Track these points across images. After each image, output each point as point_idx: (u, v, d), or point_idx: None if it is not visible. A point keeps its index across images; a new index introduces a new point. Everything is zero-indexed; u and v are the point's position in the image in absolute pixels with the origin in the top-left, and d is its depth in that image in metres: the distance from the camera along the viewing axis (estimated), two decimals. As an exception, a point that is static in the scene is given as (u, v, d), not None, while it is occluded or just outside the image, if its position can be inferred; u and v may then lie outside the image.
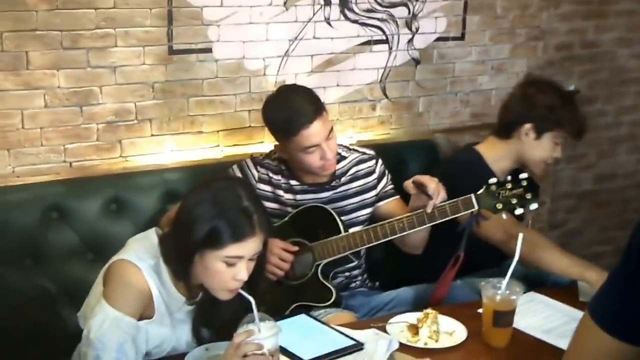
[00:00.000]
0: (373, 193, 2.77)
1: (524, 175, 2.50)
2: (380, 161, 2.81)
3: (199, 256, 1.96)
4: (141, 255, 2.01)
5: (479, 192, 2.49)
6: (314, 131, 2.56)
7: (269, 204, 2.69)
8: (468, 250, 2.59)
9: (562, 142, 2.87)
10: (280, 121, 2.62)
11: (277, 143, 2.71)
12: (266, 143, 3.10)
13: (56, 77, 2.75)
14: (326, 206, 2.67)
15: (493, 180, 2.51)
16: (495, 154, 2.91)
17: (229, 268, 1.96)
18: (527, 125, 2.84)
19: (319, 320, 2.34)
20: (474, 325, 2.26)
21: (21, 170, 2.76)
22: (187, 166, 2.95)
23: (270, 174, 2.72)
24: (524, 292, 2.32)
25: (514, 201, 2.48)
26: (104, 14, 2.77)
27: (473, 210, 2.49)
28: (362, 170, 2.78)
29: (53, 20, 2.70)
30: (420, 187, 2.49)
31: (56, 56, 2.74)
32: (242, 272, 1.97)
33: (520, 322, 2.28)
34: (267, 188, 2.71)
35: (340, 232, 2.62)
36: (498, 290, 2.21)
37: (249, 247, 1.96)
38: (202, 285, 2.05)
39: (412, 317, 2.29)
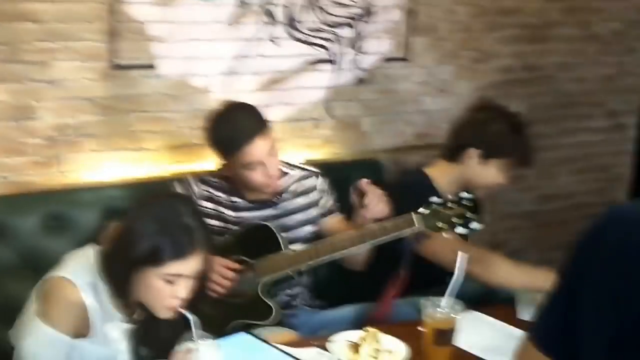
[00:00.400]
0: (316, 210, 2.78)
1: (465, 195, 2.52)
2: (322, 178, 2.82)
3: (138, 273, 1.93)
4: (77, 272, 1.97)
5: (419, 210, 2.50)
6: (257, 147, 2.56)
7: (211, 221, 2.66)
8: (412, 268, 2.60)
9: (507, 169, 2.90)
10: (222, 137, 2.60)
11: (221, 161, 2.69)
12: (210, 160, 3.07)
13: (-6, 90, 2.71)
14: (268, 223, 2.66)
15: (435, 199, 2.53)
16: (443, 177, 2.93)
17: (168, 286, 1.94)
18: (474, 150, 2.87)
19: (261, 339, 2.31)
20: (415, 344, 2.25)
21: (-45, 187, 2.70)
22: (128, 183, 2.92)
23: (213, 191, 2.70)
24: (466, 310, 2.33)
25: (456, 220, 2.49)
26: (44, 27, 2.73)
27: (414, 228, 2.50)
28: (304, 187, 2.78)
29: (-8, 33, 2.66)
30: (361, 197, 2.48)
31: (-6, 69, 2.69)
32: (182, 290, 1.95)
33: (461, 340, 2.28)
34: (210, 205, 2.69)
35: (281, 250, 2.60)
36: (438, 308, 2.22)
37: (190, 264, 1.94)
38: (141, 303, 2.01)
39: (354, 335, 2.28)
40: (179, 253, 1.92)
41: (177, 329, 2.00)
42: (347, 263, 2.69)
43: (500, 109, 3.04)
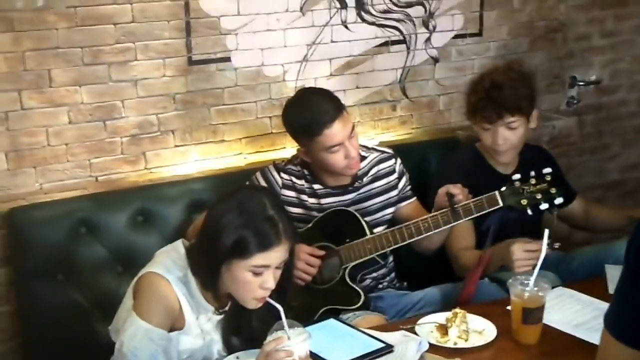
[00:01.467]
0: (395, 192, 2.79)
1: (547, 170, 2.49)
2: (399, 160, 2.83)
3: (226, 266, 1.98)
4: (169, 267, 2.03)
5: (502, 189, 2.49)
6: (337, 130, 2.58)
7: (293, 209, 2.71)
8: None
9: (487, 126, 2.76)
10: (302, 123, 2.63)
11: (299, 148, 2.72)
12: (288, 148, 3.12)
13: (79, 93, 2.79)
14: (350, 209, 2.68)
15: (517, 176, 2.51)
16: (485, 149, 2.90)
17: (256, 277, 1.98)
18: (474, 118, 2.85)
19: (348, 324, 2.34)
20: (503, 323, 2.25)
21: (49, 187, 2.80)
22: (211, 175, 2.98)
23: (294, 179, 2.73)
24: (553, 287, 2.32)
25: (539, 196, 2.47)
26: (123, 29, 2.81)
27: (497, 207, 2.49)
28: (383, 169, 2.79)
29: (73, 37, 2.74)
30: (451, 197, 2.50)
31: (78, 72, 2.77)
32: (270, 281, 1.99)
33: (550, 317, 2.27)
34: (291, 193, 2.73)
35: (365, 234, 2.63)
36: (526, 287, 2.21)
37: (276, 255, 1.98)
38: (230, 294, 2.07)
39: (441, 317, 2.29)
40: (265, 245, 1.95)
41: (267, 318, 2.04)
42: (419, 247, 2.70)
43: (487, 71, 2.92)
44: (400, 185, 2.81)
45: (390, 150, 2.85)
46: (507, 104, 2.72)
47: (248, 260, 1.96)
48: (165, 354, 2.01)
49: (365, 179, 2.76)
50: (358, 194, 2.75)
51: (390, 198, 2.79)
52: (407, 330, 2.25)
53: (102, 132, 2.86)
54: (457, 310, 2.26)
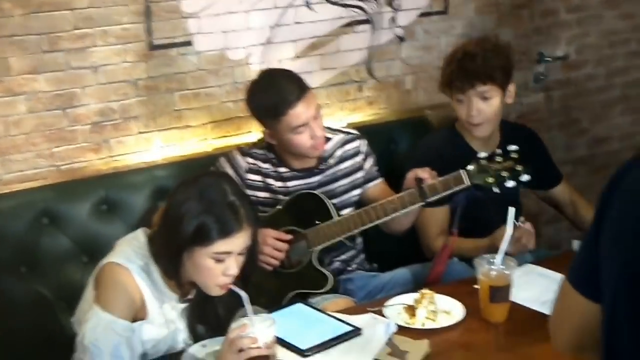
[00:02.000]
0: (361, 173, 2.77)
1: (513, 147, 2.48)
2: (365, 141, 2.81)
3: (188, 253, 1.96)
4: (130, 257, 2.00)
5: (468, 168, 2.48)
6: (302, 109, 2.56)
7: (260, 194, 2.68)
8: (463, 227, 2.59)
9: (461, 97, 2.74)
10: (267, 104, 2.60)
11: (264, 130, 2.69)
12: (254, 132, 3.08)
13: (37, 81, 2.73)
14: (316, 191, 2.66)
15: (482, 154, 2.50)
16: (463, 127, 2.88)
17: (218, 264, 1.96)
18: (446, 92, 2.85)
19: (316, 308, 2.33)
20: (471, 303, 2.25)
21: (9, 178, 2.75)
22: (175, 162, 2.94)
23: (259, 163, 2.71)
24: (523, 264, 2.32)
25: (505, 174, 2.46)
26: (80, 14, 2.75)
27: (463, 185, 2.48)
28: (348, 151, 2.77)
29: (30, 24, 2.68)
30: (419, 181, 2.50)
31: (36, 60, 2.71)
32: (232, 267, 1.97)
33: (518, 295, 2.27)
34: (257, 177, 2.70)
35: (332, 217, 2.61)
36: (492, 265, 2.20)
37: (237, 242, 1.96)
38: (193, 282, 2.04)
39: (409, 298, 2.29)
40: (226, 231, 1.94)
41: (232, 305, 2.03)
42: (389, 228, 2.68)
43: (462, 43, 2.92)
44: (367, 166, 2.79)
45: (355, 132, 2.83)
46: (480, 71, 2.70)
47: (209, 247, 1.94)
48: (128, 345, 1.98)
49: (331, 161, 2.74)
50: (324, 176, 2.72)
51: (356, 179, 2.77)
52: (375, 312, 2.25)
53: (63, 121, 2.80)
54: (425, 291, 2.26)
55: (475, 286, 2.26)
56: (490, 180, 2.46)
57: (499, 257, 2.20)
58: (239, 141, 3.02)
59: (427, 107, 3.49)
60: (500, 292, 2.19)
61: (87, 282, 2.09)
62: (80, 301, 2.09)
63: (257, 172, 2.70)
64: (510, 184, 2.46)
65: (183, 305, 2.10)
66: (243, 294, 1.92)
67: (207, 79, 3.04)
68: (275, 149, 2.71)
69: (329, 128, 2.79)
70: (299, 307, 2.32)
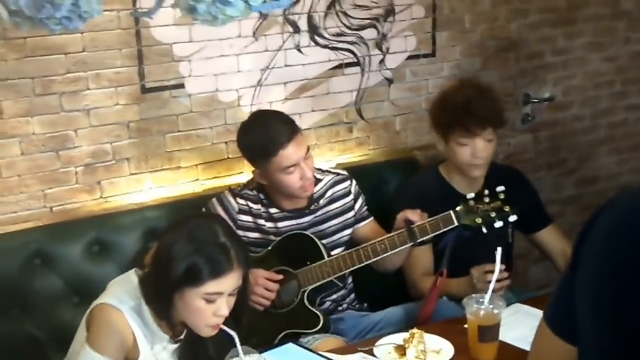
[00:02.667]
0: (352, 214, 2.80)
1: (501, 188, 2.52)
2: (354, 181, 2.85)
3: (179, 295, 1.97)
4: (122, 298, 2.02)
5: (457, 208, 2.52)
6: (292, 150, 2.59)
7: (251, 234, 2.70)
8: (452, 266, 2.61)
9: (466, 141, 2.75)
10: (257, 145, 2.64)
11: (254, 170, 2.72)
12: (245, 173, 3.12)
13: (30, 124, 2.76)
14: (307, 232, 2.69)
15: (471, 195, 2.54)
16: (447, 169, 2.92)
17: (209, 305, 1.97)
18: (435, 135, 2.87)
19: (307, 348, 2.34)
20: (461, 342, 2.26)
21: (2, 219, 2.76)
22: (167, 202, 2.96)
23: (250, 204, 2.73)
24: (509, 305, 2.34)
25: (493, 214, 2.50)
26: (74, 58, 2.79)
27: (453, 226, 2.52)
28: (338, 191, 2.80)
29: (24, 68, 2.72)
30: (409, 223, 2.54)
31: (29, 103, 2.75)
32: (223, 308, 1.98)
33: (507, 334, 2.29)
34: (248, 218, 2.72)
35: (323, 257, 2.63)
36: (481, 305, 2.22)
37: (228, 282, 1.97)
38: (184, 322, 2.05)
39: (399, 338, 2.30)
40: (217, 272, 1.95)
41: (223, 345, 2.04)
42: (380, 267, 2.71)
43: (450, 87, 2.92)
44: (357, 206, 2.82)
45: (344, 172, 2.87)
46: (490, 115, 2.74)
47: (200, 287, 1.95)
48: None
49: (321, 201, 2.77)
50: (315, 217, 2.75)
51: (347, 219, 2.80)
52: (365, 352, 2.26)
53: (56, 162, 2.83)
54: (415, 330, 2.27)
55: (465, 326, 2.28)
56: (479, 220, 2.50)
57: (487, 297, 2.23)
58: (230, 182, 3.05)
59: (416, 148, 3.54)
60: (489, 331, 2.20)
61: (79, 323, 2.10)
62: (72, 342, 2.10)
63: (248, 212, 2.72)
64: (498, 224, 2.50)
65: (175, 346, 2.11)
66: (233, 333, 1.94)
67: (199, 120, 3.08)
68: (265, 190, 2.74)
69: (318, 169, 2.82)
70: (290, 347, 2.33)
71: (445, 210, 2.53)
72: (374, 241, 2.59)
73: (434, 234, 2.55)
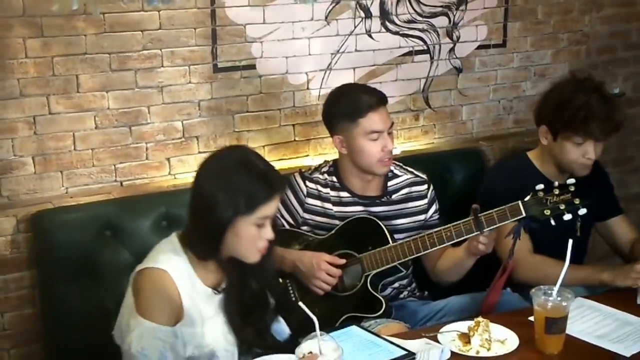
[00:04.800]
0: (422, 217, 2.80)
1: (571, 181, 2.49)
2: (432, 186, 2.84)
3: (231, 228, 2.04)
4: (164, 258, 2.08)
5: (526, 199, 2.49)
6: (381, 116, 2.64)
7: (317, 218, 2.72)
8: None
9: (583, 141, 2.73)
10: (347, 105, 2.67)
11: (337, 137, 2.70)
12: (311, 156, 3.14)
13: (105, 98, 2.82)
14: (372, 217, 2.69)
15: (540, 186, 2.51)
16: (541, 159, 2.90)
17: (259, 230, 2.07)
18: (543, 128, 2.83)
19: (370, 331, 2.35)
20: (525, 333, 2.25)
21: (74, 191, 2.83)
22: (235, 182, 2.99)
23: (320, 188, 2.74)
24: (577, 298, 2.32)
25: (562, 207, 2.47)
26: (150, 35, 2.84)
27: (521, 217, 2.50)
28: (415, 192, 2.80)
29: (101, 43, 2.77)
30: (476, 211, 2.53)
31: (105, 78, 2.81)
32: (270, 231, 2.10)
33: (573, 328, 2.27)
34: (316, 202, 2.74)
35: (388, 243, 2.63)
36: (549, 296, 2.21)
37: (274, 205, 2.09)
38: (226, 269, 2.13)
39: (463, 325, 2.29)
40: (268, 197, 2.05)
41: (266, 280, 2.20)
42: (440, 277, 2.76)
43: (570, 81, 2.87)
44: (430, 211, 2.81)
45: (424, 176, 2.85)
46: (616, 121, 2.74)
47: (253, 214, 2.04)
48: (172, 350, 2.03)
49: (394, 196, 2.77)
50: (387, 209, 2.75)
51: (416, 222, 2.79)
52: (429, 338, 2.25)
53: (128, 138, 2.89)
54: (480, 319, 2.26)
55: (530, 318, 2.26)
56: (547, 212, 2.48)
57: (555, 288, 2.21)
58: (296, 164, 3.07)
59: (481, 139, 3.53)
60: (556, 323, 2.18)
61: (126, 291, 2.14)
62: (120, 311, 2.15)
63: (316, 197, 2.74)
64: (567, 216, 2.47)
65: (218, 297, 2.14)
66: (315, 319, 1.96)
67: (268, 102, 3.10)
68: (339, 170, 2.74)
69: (399, 165, 2.83)
70: (354, 329, 2.34)
71: None
72: (439, 228, 2.58)
73: (501, 224, 2.53)
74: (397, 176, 2.79)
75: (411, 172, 2.83)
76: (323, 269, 2.59)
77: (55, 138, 2.78)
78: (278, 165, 3.10)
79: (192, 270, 2.10)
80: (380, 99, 2.66)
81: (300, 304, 2.03)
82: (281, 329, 2.27)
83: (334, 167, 2.76)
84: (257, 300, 2.19)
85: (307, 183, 2.75)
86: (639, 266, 2.53)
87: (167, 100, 2.92)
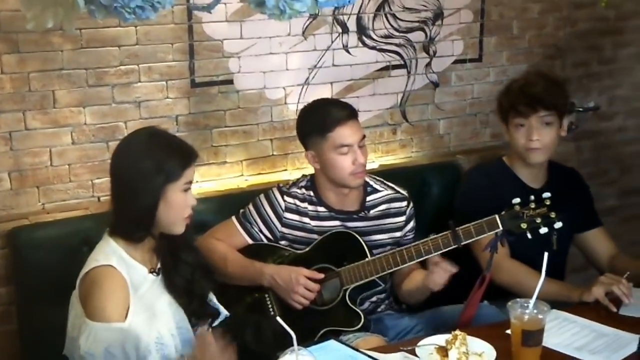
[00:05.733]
0: (398, 234, 2.81)
1: (547, 195, 2.52)
2: (411, 204, 2.84)
3: (163, 197, 2.15)
4: (102, 257, 2.17)
5: (502, 213, 2.52)
6: (349, 130, 2.64)
7: (296, 232, 2.73)
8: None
9: (521, 121, 2.79)
10: (316, 121, 2.69)
11: (308, 152, 2.72)
12: (289, 171, 3.15)
13: (82, 114, 2.82)
14: (351, 231, 2.70)
15: (516, 200, 2.54)
16: (515, 161, 2.93)
17: (185, 195, 2.20)
18: (501, 123, 2.92)
19: (349, 345, 2.35)
20: (502, 346, 2.26)
21: (51, 207, 2.82)
22: (212, 196, 3.00)
23: (298, 202, 2.75)
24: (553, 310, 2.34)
25: (538, 220, 2.50)
26: (127, 51, 2.84)
27: (497, 231, 2.52)
28: (393, 208, 2.80)
29: (78, 59, 2.77)
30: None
31: (82, 94, 2.80)
32: (192, 197, 2.24)
33: (549, 340, 2.28)
34: (294, 217, 2.74)
35: (366, 256, 2.64)
36: (526, 309, 2.22)
37: (194, 170, 2.24)
38: (159, 248, 2.25)
39: (441, 339, 2.30)
40: (190, 158, 2.21)
41: (195, 269, 2.29)
42: (405, 296, 2.77)
43: (523, 75, 3.04)
44: (406, 228, 2.82)
45: (405, 192, 2.86)
46: (543, 97, 2.78)
47: (181, 178, 2.17)
48: (122, 344, 2.08)
49: (372, 212, 2.77)
50: (365, 226, 2.75)
51: (392, 238, 2.80)
52: (407, 352, 2.26)
53: (105, 153, 2.88)
54: (457, 332, 2.27)
55: (507, 331, 2.27)
56: (524, 225, 2.50)
57: (532, 301, 2.22)
58: (274, 179, 3.08)
59: (459, 152, 3.55)
60: (533, 336, 2.19)
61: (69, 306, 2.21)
62: (67, 331, 2.22)
63: (294, 211, 2.74)
64: (543, 230, 2.50)
65: (155, 278, 2.24)
66: (293, 334, 1.97)
67: (246, 117, 3.11)
68: (316, 185, 2.75)
69: (380, 180, 2.85)
70: (332, 343, 2.34)
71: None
72: (417, 242, 2.60)
73: (478, 237, 2.55)
74: (376, 191, 2.80)
75: (392, 188, 2.84)
76: (302, 283, 2.59)
77: (31, 154, 2.77)
78: (256, 180, 3.14)
79: (131, 260, 2.19)
80: (349, 113, 2.67)
81: (278, 318, 2.03)
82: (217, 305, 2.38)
83: (311, 182, 2.77)
84: (194, 271, 2.29)
85: (285, 198, 2.75)
86: (603, 278, 2.56)
87: (145, 116, 2.92)
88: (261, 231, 2.74)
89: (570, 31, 3.74)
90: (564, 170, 3.03)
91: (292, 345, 1.98)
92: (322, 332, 2.61)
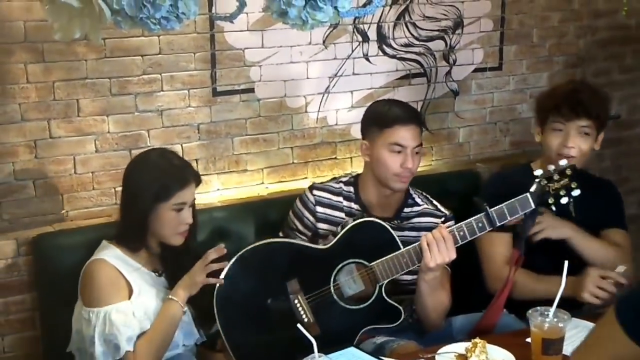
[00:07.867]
0: None
1: (565, 163, 2.53)
2: (452, 222, 2.68)
3: (154, 213, 2.40)
4: (97, 254, 2.44)
5: (532, 190, 2.51)
6: (406, 132, 2.65)
7: (325, 226, 2.73)
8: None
9: (559, 126, 2.78)
10: (380, 113, 2.73)
11: (363, 143, 2.74)
12: (310, 179, 3.17)
13: (106, 122, 2.85)
14: (382, 222, 2.62)
15: (539, 171, 2.54)
16: (540, 165, 2.91)
17: (178, 214, 2.41)
18: (536, 126, 2.92)
19: (368, 353, 2.35)
20: (522, 354, 2.26)
21: (75, 214, 2.86)
22: (232, 204, 3.02)
23: (330, 196, 2.76)
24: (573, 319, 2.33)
25: (562, 192, 2.50)
26: (150, 60, 2.87)
27: (530, 209, 2.51)
28: (425, 223, 2.75)
29: (102, 68, 2.81)
30: None
31: (105, 102, 2.84)
32: (189, 216, 2.46)
33: (569, 349, 2.27)
34: (326, 211, 2.75)
35: (398, 248, 2.55)
36: (546, 318, 2.22)
37: (189, 193, 2.45)
38: (160, 254, 2.51)
39: (461, 347, 2.31)
40: (183, 183, 2.42)
41: (186, 258, 2.49)
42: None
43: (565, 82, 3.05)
44: None
45: (446, 211, 2.79)
46: (589, 105, 2.77)
47: (170, 200, 2.39)
48: (135, 321, 2.36)
49: (405, 223, 2.75)
50: (398, 234, 2.64)
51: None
52: (426, 359, 2.27)
53: (128, 161, 2.88)
54: (477, 340, 2.27)
55: (527, 340, 2.28)
56: (551, 200, 2.51)
57: (552, 310, 2.22)
58: (295, 187, 3.10)
59: (478, 160, 3.55)
60: (553, 344, 2.20)
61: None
62: (73, 328, 2.49)
63: (327, 205, 2.75)
64: (564, 200, 2.50)
65: (162, 280, 2.51)
66: (313, 340, 1.99)
67: (266, 125, 3.13)
68: (359, 181, 2.76)
69: (425, 196, 2.83)
70: (352, 350, 2.35)
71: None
72: (452, 228, 2.52)
73: (512, 217, 2.52)
74: (416, 204, 2.78)
75: (433, 205, 2.81)
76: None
77: (56, 162, 2.81)
78: (277, 188, 3.16)
79: (128, 259, 2.44)
80: (411, 116, 2.70)
81: (299, 325, 2.04)
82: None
83: (355, 179, 2.80)
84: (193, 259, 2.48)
85: (315, 192, 2.76)
86: (594, 273, 2.58)
87: (167, 124, 2.95)
88: (301, 232, 2.75)
89: (591, 40, 3.74)
90: (598, 180, 3.04)
91: (313, 352, 2.00)
92: (362, 331, 2.55)
